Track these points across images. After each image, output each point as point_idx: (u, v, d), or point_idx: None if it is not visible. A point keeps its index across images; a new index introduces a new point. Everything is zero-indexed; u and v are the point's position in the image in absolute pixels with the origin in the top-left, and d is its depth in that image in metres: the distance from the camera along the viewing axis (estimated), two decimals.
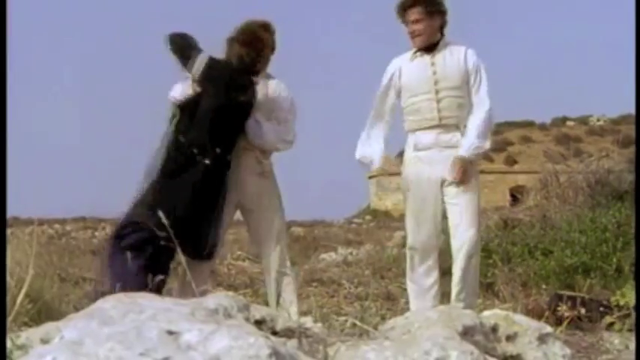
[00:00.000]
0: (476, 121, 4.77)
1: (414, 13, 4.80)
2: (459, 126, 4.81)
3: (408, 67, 4.90)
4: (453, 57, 4.84)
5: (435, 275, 4.84)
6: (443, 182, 4.79)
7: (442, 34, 4.90)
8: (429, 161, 4.81)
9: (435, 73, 4.82)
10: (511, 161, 36.34)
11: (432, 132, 4.82)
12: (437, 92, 4.80)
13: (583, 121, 41.71)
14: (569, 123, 41.62)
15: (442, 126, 4.81)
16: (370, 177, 34.75)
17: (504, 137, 38.57)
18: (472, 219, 4.76)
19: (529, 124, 41.10)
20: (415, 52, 4.90)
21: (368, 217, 31.34)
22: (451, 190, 4.78)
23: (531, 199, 11.39)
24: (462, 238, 4.72)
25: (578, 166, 11.40)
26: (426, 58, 4.86)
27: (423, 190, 4.83)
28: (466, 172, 4.74)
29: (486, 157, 36.67)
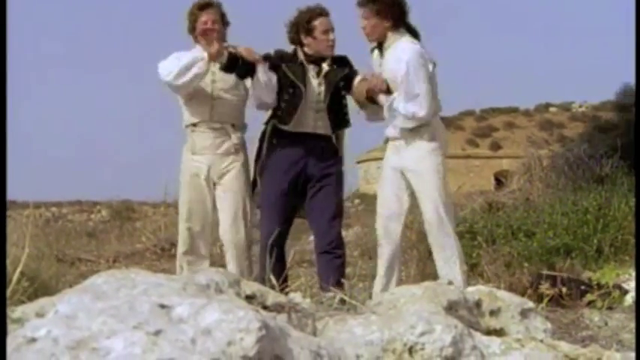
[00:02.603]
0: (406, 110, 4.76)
1: (364, 11, 4.86)
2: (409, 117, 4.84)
3: (373, 60, 5.00)
4: (394, 58, 4.82)
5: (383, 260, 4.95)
6: (403, 170, 4.90)
7: (410, 32, 4.91)
8: (395, 150, 4.93)
9: (380, 74, 4.89)
10: (496, 146, 36.38)
11: (391, 125, 4.92)
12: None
13: (565, 107, 41.77)
14: (552, 109, 41.65)
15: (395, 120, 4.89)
16: (358, 162, 34.80)
17: (489, 123, 38.60)
18: (430, 201, 4.82)
19: (513, 111, 41.10)
20: (373, 48, 4.99)
21: (357, 201, 31.35)
22: (413, 180, 4.87)
23: (515, 183, 11.42)
24: (426, 220, 4.86)
25: (561, 150, 11.43)
26: (378, 56, 4.94)
27: (388, 181, 4.96)
28: (374, 84, 4.81)
29: (472, 142, 36.68)
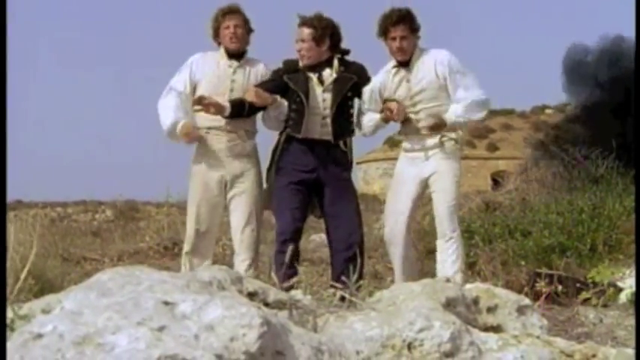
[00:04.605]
0: (464, 100, 4.86)
1: (400, 30, 4.85)
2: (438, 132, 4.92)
3: (389, 83, 4.99)
4: (425, 69, 4.91)
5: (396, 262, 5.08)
6: (423, 180, 4.98)
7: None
8: (412, 162, 5.01)
9: (409, 89, 4.94)
10: (493, 147, 36.38)
11: (416, 138, 4.99)
12: (413, 105, 4.94)
13: (561, 109, 41.75)
14: (548, 111, 41.65)
15: (423, 134, 4.95)
16: (358, 163, 34.78)
17: (486, 125, 38.56)
18: (445, 202, 4.91)
19: (509, 112, 41.08)
20: (394, 67, 4.99)
21: None
22: (433, 180, 4.94)
23: (511, 183, 11.42)
24: (437, 219, 4.94)
25: (556, 151, 11.43)
26: (402, 72, 4.96)
27: (401, 187, 5.04)
28: (437, 126, 4.87)
29: (469, 143, 36.68)
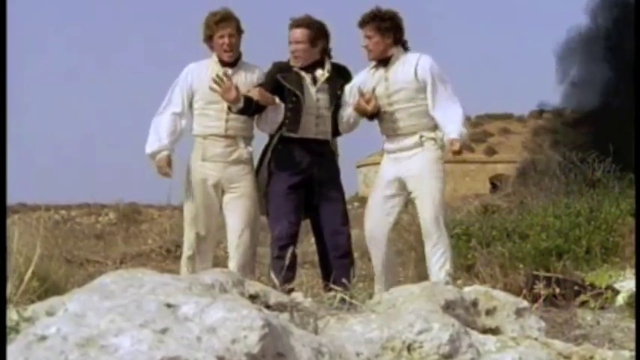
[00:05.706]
0: (453, 114, 4.85)
1: (366, 30, 4.88)
2: (416, 132, 4.89)
3: (369, 81, 4.97)
4: (405, 69, 4.89)
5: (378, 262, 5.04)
6: (402, 180, 4.93)
7: (403, 47, 4.96)
8: (394, 161, 4.97)
9: (387, 88, 4.91)
10: (491, 151, 36.40)
11: (395, 139, 4.96)
12: (390, 105, 4.91)
13: (559, 113, 41.74)
14: (546, 115, 41.67)
15: (401, 134, 4.93)
16: (358, 166, 34.83)
17: (484, 129, 38.59)
18: (429, 206, 4.86)
19: (508, 117, 41.11)
20: (374, 66, 4.98)
21: (356, 204, 31.28)
22: (412, 185, 4.90)
23: (510, 187, 11.44)
24: (423, 224, 4.87)
25: (554, 155, 11.45)
26: (381, 72, 4.95)
27: (381, 188, 5.00)
28: (462, 147, 4.86)
29: (467, 147, 36.79)
